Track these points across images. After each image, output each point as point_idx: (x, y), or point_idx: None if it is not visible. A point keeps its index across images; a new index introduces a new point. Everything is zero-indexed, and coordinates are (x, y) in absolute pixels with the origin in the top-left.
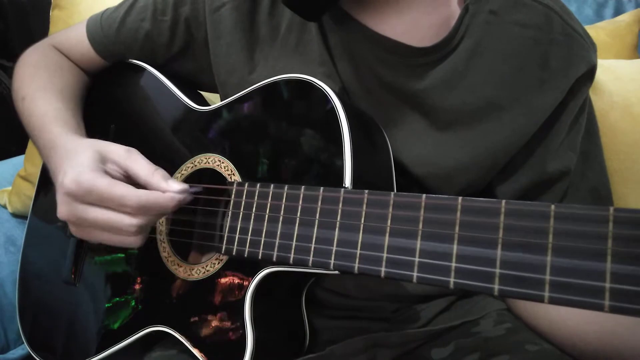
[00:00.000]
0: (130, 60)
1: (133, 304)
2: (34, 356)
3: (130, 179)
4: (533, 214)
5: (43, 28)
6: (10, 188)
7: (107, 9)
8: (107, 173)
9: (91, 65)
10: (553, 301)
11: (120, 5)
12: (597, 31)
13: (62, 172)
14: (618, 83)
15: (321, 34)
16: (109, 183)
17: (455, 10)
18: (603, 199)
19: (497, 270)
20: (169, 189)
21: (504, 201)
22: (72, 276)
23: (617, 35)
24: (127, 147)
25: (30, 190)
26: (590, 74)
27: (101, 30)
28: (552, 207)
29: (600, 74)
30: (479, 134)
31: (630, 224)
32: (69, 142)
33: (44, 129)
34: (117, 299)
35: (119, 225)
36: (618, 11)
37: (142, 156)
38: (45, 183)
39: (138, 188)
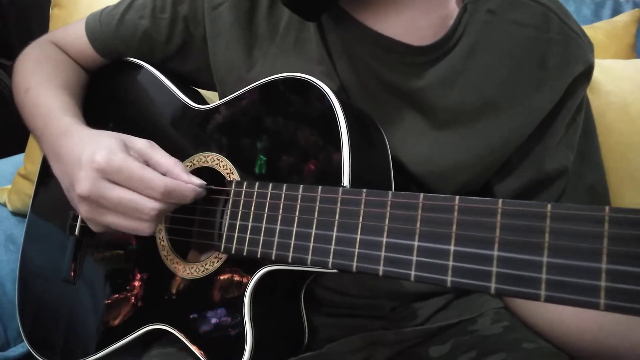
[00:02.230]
0: (128, 58)
1: (133, 302)
2: (34, 354)
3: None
4: (529, 214)
5: (42, 26)
6: (10, 186)
7: (106, 7)
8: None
9: (89, 62)
10: (549, 300)
11: (119, 2)
12: (595, 31)
13: (89, 151)
14: (615, 83)
15: (320, 32)
16: (141, 165)
17: (454, 9)
18: (600, 197)
19: (494, 269)
20: (190, 181)
21: (500, 201)
22: (72, 274)
23: (614, 35)
24: (148, 140)
25: (30, 189)
26: (587, 73)
27: (100, 28)
28: (549, 206)
29: (597, 74)
30: (477, 132)
31: (626, 224)
32: (84, 131)
33: (53, 117)
34: (117, 297)
35: (141, 206)
36: (616, 11)
37: (162, 149)
38: (45, 181)
39: None
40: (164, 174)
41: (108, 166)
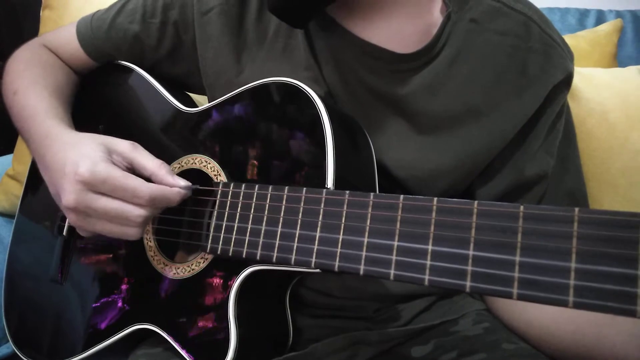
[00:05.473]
0: (118, 61)
1: (119, 302)
2: (19, 354)
3: (135, 172)
4: (503, 214)
5: (33, 28)
6: None
7: (97, 11)
8: (114, 164)
9: (80, 65)
10: (521, 297)
11: (110, 7)
12: (578, 40)
13: (71, 162)
14: (595, 90)
15: (307, 39)
16: (124, 174)
17: (438, 18)
18: (579, 202)
19: (469, 268)
20: (175, 184)
21: (476, 202)
22: (59, 275)
23: (597, 44)
24: (131, 142)
25: (18, 189)
26: (567, 81)
27: (91, 31)
28: (521, 207)
29: (578, 82)
30: (459, 138)
31: (594, 224)
32: (66, 135)
33: (37, 119)
34: (104, 297)
35: (128, 215)
36: (599, 21)
37: (146, 151)
38: (34, 182)
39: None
40: (148, 177)
41: (92, 178)
